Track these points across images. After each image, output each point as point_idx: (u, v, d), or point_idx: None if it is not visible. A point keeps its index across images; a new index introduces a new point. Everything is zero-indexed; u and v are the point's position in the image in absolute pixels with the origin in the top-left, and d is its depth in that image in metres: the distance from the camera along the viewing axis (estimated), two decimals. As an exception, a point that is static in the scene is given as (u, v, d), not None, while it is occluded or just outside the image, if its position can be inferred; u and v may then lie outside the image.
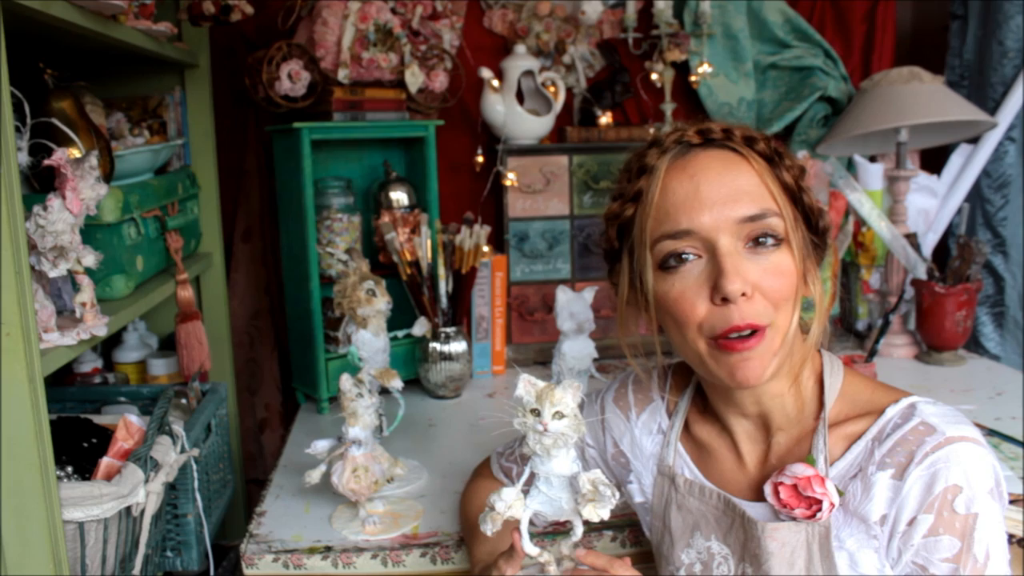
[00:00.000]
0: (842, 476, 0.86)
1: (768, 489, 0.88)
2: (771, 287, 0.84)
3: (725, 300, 0.83)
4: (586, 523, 0.85)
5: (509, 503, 0.84)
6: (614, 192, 0.94)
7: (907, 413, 0.85)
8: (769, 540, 0.86)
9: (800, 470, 0.85)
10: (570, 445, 0.83)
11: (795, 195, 0.88)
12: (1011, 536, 1.11)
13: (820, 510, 0.84)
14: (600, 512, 0.81)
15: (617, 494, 0.82)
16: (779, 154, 0.88)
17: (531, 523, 0.87)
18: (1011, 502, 1.20)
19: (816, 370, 0.92)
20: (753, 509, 0.90)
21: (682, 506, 0.96)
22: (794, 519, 0.86)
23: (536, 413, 0.81)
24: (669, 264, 0.86)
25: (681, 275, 0.86)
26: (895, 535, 0.82)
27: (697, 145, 0.89)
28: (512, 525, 0.87)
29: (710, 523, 0.94)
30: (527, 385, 0.82)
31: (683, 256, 0.85)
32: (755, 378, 0.85)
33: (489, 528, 0.85)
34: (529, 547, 0.87)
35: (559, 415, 0.81)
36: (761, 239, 0.84)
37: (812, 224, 0.89)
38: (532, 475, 0.86)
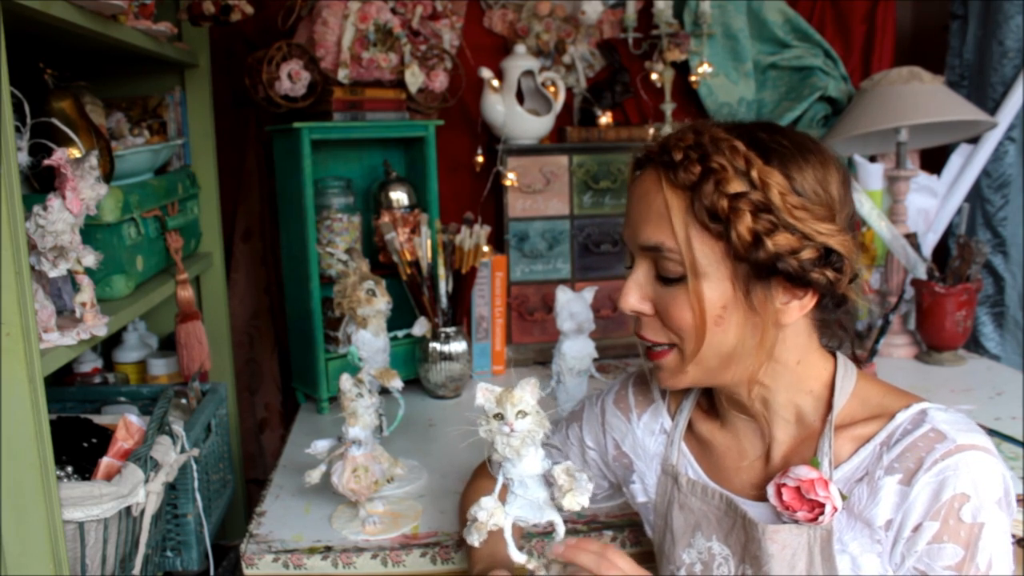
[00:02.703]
0: (848, 478, 0.85)
1: (771, 490, 0.87)
2: (667, 316, 0.87)
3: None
4: (567, 521, 0.86)
5: (490, 511, 0.85)
6: None
7: (918, 419, 0.84)
8: (769, 542, 0.86)
9: (804, 472, 0.85)
10: (538, 443, 0.85)
11: (718, 229, 0.81)
12: (1012, 536, 1.11)
13: (822, 513, 0.83)
14: (580, 500, 0.83)
15: (591, 485, 0.83)
16: (711, 183, 0.80)
17: (532, 526, 0.88)
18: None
19: (826, 374, 0.91)
20: (755, 509, 0.90)
21: (684, 505, 0.96)
22: (796, 522, 0.86)
23: (499, 417, 0.83)
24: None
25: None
26: (899, 540, 0.81)
27: (649, 159, 0.88)
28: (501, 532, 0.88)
29: (711, 523, 0.94)
30: (485, 393, 0.85)
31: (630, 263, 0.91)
32: (665, 385, 0.93)
33: (476, 539, 0.86)
34: (516, 555, 0.87)
35: (522, 414, 0.83)
36: (663, 269, 0.86)
37: (743, 256, 0.81)
38: (506, 483, 0.87)
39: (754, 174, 0.81)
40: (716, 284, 0.83)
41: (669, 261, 0.84)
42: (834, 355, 0.92)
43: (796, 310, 0.84)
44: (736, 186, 0.80)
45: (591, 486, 0.83)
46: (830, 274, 0.82)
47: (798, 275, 0.81)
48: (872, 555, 0.83)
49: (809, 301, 0.84)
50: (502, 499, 0.87)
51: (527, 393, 0.84)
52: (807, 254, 0.80)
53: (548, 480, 0.86)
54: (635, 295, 0.88)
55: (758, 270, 0.82)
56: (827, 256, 0.82)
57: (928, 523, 0.80)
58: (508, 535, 0.87)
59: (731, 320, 0.84)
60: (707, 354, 0.86)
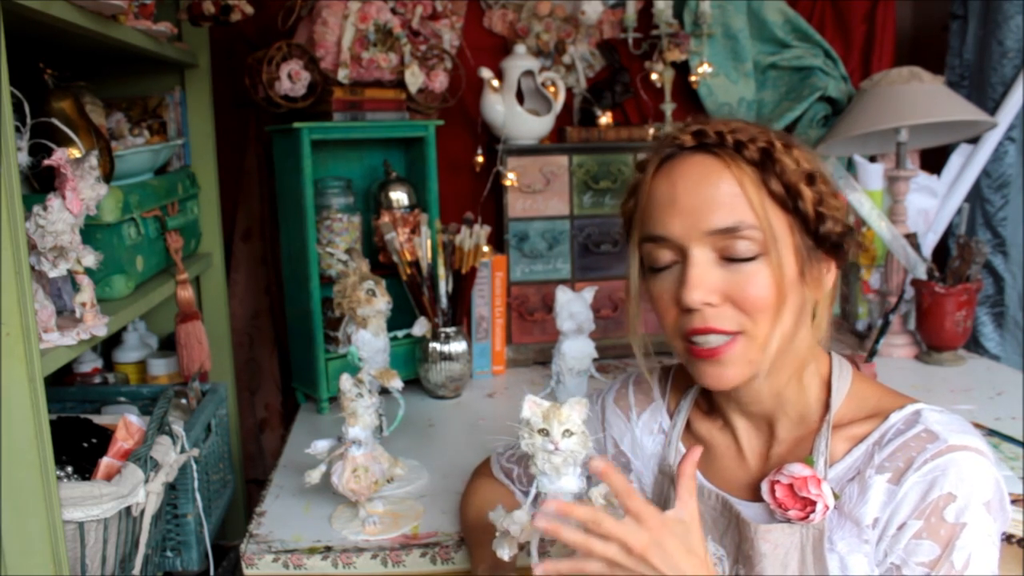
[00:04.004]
0: (841, 478, 0.85)
1: (765, 487, 0.88)
2: (744, 298, 0.83)
3: (689, 309, 0.84)
4: None
5: (523, 526, 0.84)
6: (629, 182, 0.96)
7: (911, 419, 0.84)
8: (762, 542, 0.86)
9: (798, 470, 0.85)
10: (579, 462, 0.83)
11: (787, 203, 0.84)
12: (1011, 536, 1.11)
13: (814, 512, 0.83)
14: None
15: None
16: (772, 159, 0.83)
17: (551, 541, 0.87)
18: (1012, 502, 1.19)
19: (824, 372, 0.92)
20: (750, 509, 0.90)
21: None
22: (788, 520, 0.86)
23: (544, 433, 0.81)
24: (653, 266, 0.88)
25: (661, 277, 0.88)
26: (884, 538, 0.81)
27: (689, 148, 0.87)
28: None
29: (707, 524, 0.93)
30: (532, 406, 0.83)
31: (663, 259, 0.87)
32: (724, 383, 0.87)
33: (507, 553, 0.86)
34: (539, 568, 0.86)
35: (568, 433, 0.81)
36: (736, 250, 0.83)
37: (812, 228, 0.85)
38: (537, 494, 0.85)
39: (795, 153, 0.85)
40: (786, 257, 0.84)
41: (745, 240, 0.83)
42: (828, 353, 0.93)
43: (830, 282, 0.89)
44: (793, 162, 0.84)
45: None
46: (854, 246, 0.89)
47: (838, 244, 0.87)
48: (859, 555, 0.83)
49: (834, 274, 0.89)
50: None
51: (575, 412, 0.82)
52: (843, 226, 0.86)
53: (583, 500, 0.84)
54: (704, 287, 0.83)
55: (816, 241, 0.86)
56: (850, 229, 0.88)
57: (912, 522, 0.79)
58: (534, 548, 0.86)
59: (792, 296, 0.85)
60: (775, 336, 0.84)
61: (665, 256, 0.87)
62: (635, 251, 0.90)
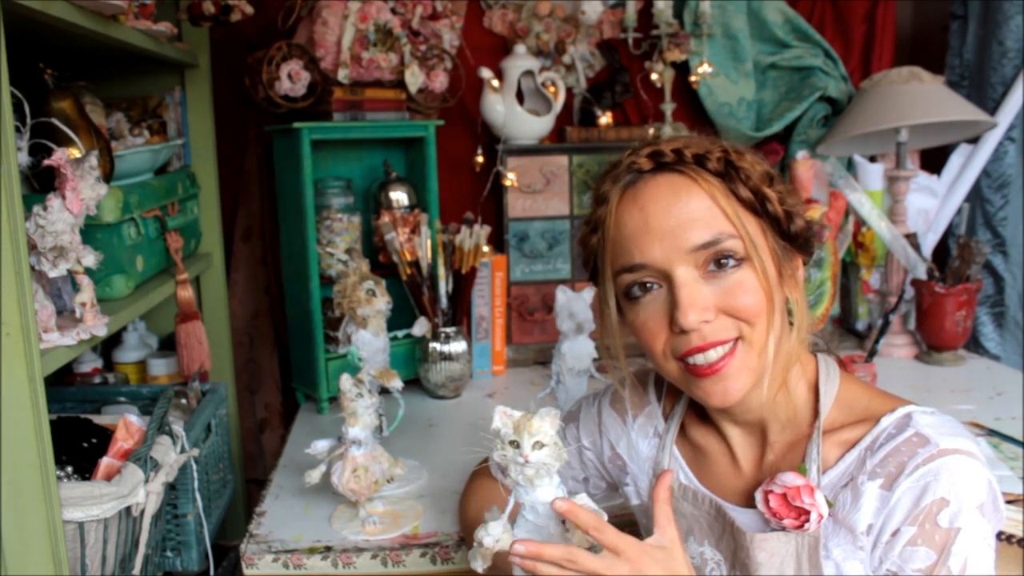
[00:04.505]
0: (834, 485, 0.85)
1: (759, 496, 0.87)
2: (735, 307, 0.83)
3: (684, 331, 0.83)
4: None
5: (497, 537, 0.82)
6: (585, 215, 0.94)
7: (902, 423, 0.83)
8: (758, 550, 0.86)
9: (791, 479, 0.84)
10: (553, 473, 0.82)
11: (756, 207, 0.85)
12: (1011, 536, 1.11)
13: (808, 520, 0.83)
14: (591, 539, 0.79)
15: (604, 515, 0.80)
16: (734, 167, 0.84)
17: None
18: (1010, 502, 1.20)
19: (811, 375, 0.91)
20: (745, 515, 0.90)
21: (676, 510, 0.95)
22: (783, 529, 0.85)
23: (515, 445, 0.80)
24: (632, 294, 0.87)
25: (643, 305, 0.87)
26: (878, 545, 0.81)
27: (649, 171, 0.87)
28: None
29: (703, 528, 0.93)
30: (503, 416, 0.82)
31: (645, 285, 0.86)
32: (731, 397, 0.85)
33: (480, 565, 0.84)
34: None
35: (539, 445, 0.79)
36: (721, 261, 0.83)
37: (783, 229, 0.86)
38: (517, 504, 0.84)
39: (748, 157, 0.86)
40: (767, 260, 0.85)
41: (726, 250, 0.83)
42: (813, 354, 0.92)
43: (800, 278, 0.90)
44: (751, 166, 0.85)
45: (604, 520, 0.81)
46: (815, 240, 0.91)
47: (807, 240, 0.88)
48: (855, 562, 0.83)
49: (803, 270, 0.91)
50: (512, 518, 0.84)
51: (547, 423, 0.80)
52: (806, 220, 0.88)
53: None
54: (697, 305, 0.82)
55: (787, 239, 0.87)
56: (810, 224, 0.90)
57: (906, 528, 0.79)
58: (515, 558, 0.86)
59: (777, 297, 0.85)
60: (770, 340, 0.84)
61: (646, 282, 0.86)
62: (610, 285, 0.89)
